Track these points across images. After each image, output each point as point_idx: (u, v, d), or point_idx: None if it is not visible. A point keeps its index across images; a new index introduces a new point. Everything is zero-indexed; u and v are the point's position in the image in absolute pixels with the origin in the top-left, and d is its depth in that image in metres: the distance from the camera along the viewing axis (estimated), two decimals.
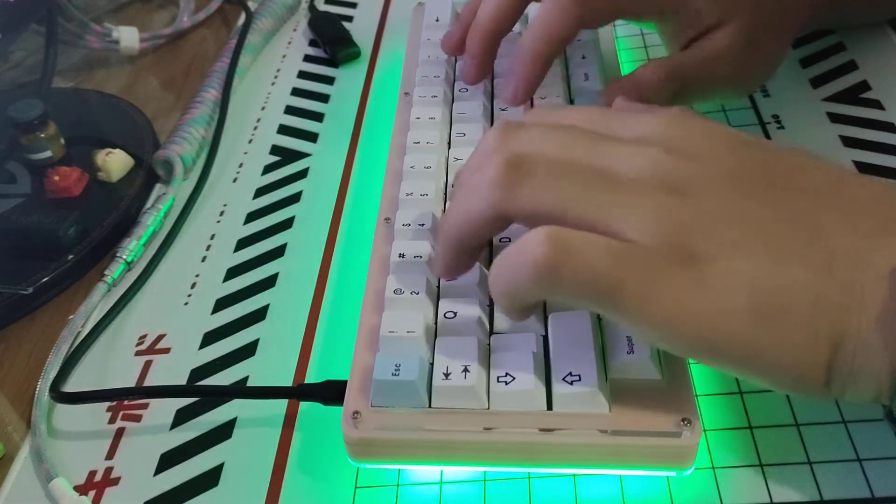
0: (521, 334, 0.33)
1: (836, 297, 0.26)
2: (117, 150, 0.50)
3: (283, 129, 0.53)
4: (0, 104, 0.51)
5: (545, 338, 0.33)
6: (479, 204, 0.29)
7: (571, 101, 0.43)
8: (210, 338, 0.41)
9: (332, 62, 0.58)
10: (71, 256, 0.45)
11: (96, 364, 0.41)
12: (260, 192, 0.49)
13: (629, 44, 0.53)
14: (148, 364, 0.40)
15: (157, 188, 0.50)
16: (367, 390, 0.32)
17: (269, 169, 0.50)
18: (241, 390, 0.38)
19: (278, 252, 0.45)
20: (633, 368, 0.31)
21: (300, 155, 0.51)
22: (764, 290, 0.26)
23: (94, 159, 0.50)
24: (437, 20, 0.50)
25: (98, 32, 0.61)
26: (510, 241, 0.36)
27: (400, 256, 0.36)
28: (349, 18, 0.62)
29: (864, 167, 0.42)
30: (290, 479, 0.34)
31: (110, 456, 0.37)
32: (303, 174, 0.49)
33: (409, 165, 0.40)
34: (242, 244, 0.46)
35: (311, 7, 0.63)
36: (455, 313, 0.33)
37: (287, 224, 0.46)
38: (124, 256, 0.45)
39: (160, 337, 0.42)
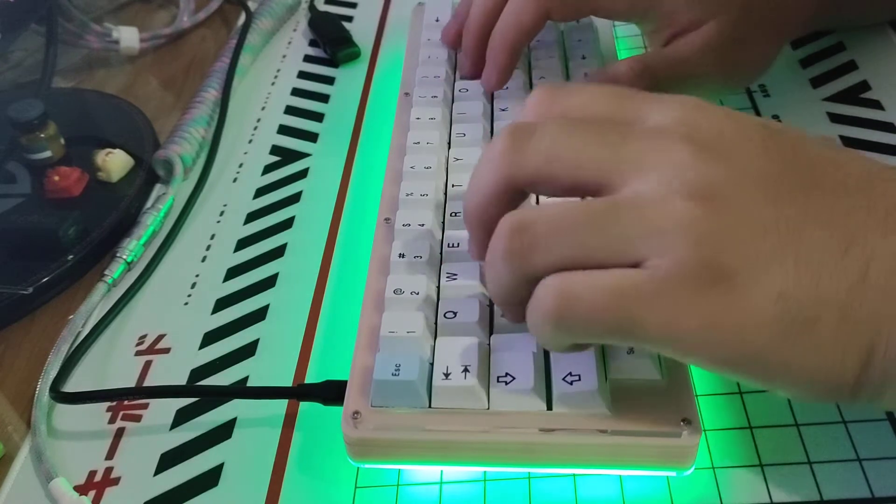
0: (521, 334, 0.33)
1: (868, 305, 0.25)
2: (117, 150, 0.50)
3: (283, 129, 0.53)
4: (0, 104, 0.51)
5: None
6: (502, 276, 0.29)
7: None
8: (210, 338, 0.41)
9: (332, 62, 0.58)
10: (71, 256, 0.45)
11: (96, 364, 0.41)
12: (260, 192, 0.49)
13: (629, 44, 0.53)
14: (148, 364, 0.40)
15: (157, 188, 0.50)
16: (367, 390, 0.32)
17: (269, 169, 0.50)
18: (241, 390, 0.38)
19: (278, 252, 0.45)
20: (633, 368, 0.31)
21: (300, 155, 0.51)
22: (794, 304, 0.25)
23: (94, 159, 0.50)
24: (437, 20, 0.50)
25: (98, 32, 0.61)
26: None
27: (400, 256, 0.36)
28: (349, 18, 0.62)
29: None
30: (290, 479, 0.34)
31: (110, 456, 0.37)
32: (303, 174, 0.49)
33: (409, 166, 0.40)
34: (242, 244, 0.46)
35: (311, 7, 0.63)
36: (455, 313, 0.33)
37: (287, 224, 0.46)
38: (124, 256, 0.45)
39: (160, 337, 0.42)
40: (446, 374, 0.31)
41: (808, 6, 0.43)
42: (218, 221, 0.48)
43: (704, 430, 0.33)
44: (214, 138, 0.52)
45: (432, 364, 0.32)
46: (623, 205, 0.27)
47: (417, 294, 0.34)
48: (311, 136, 0.52)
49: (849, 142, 0.44)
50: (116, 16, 0.66)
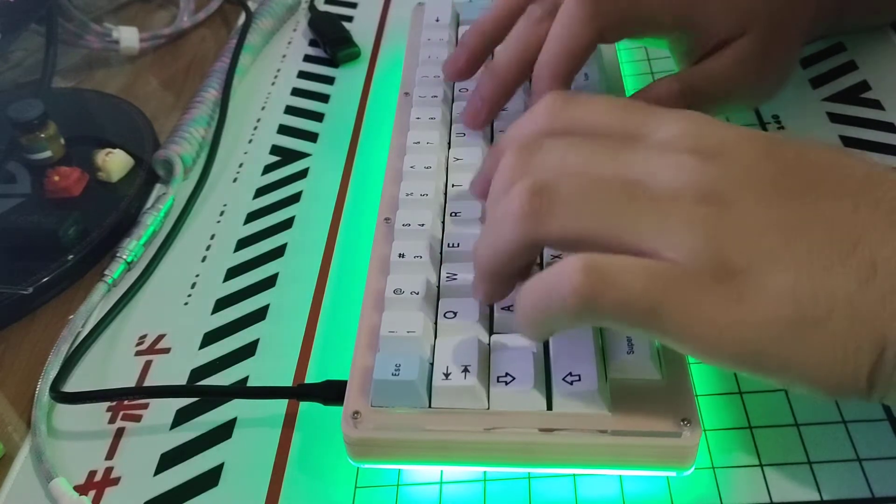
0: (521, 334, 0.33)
1: (877, 304, 0.25)
2: (117, 150, 0.50)
3: (283, 129, 0.53)
4: (0, 104, 0.51)
5: None
6: (509, 236, 0.29)
7: None
8: (210, 338, 0.41)
9: (332, 62, 0.58)
10: (71, 256, 0.45)
11: (96, 364, 0.41)
12: (260, 192, 0.49)
13: (629, 43, 0.53)
14: (148, 364, 0.40)
15: (157, 188, 0.50)
16: (367, 390, 0.32)
17: (269, 169, 0.50)
18: (241, 390, 0.38)
19: (278, 252, 0.45)
20: (633, 368, 0.31)
21: (300, 155, 0.51)
22: (804, 300, 0.25)
23: (94, 159, 0.50)
24: (437, 20, 0.50)
25: (98, 32, 0.61)
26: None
27: (400, 256, 0.36)
28: (349, 18, 0.62)
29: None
30: (290, 479, 0.34)
31: (110, 456, 0.37)
32: (303, 174, 0.49)
33: (409, 165, 0.40)
34: (242, 244, 0.46)
35: (311, 7, 0.63)
36: (455, 313, 0.33)
37: (287, 224, 0.46)
38: (124, 256, 0.45)
39: (160, 337, 0.42)
40: (446, 374, 0.31)
41: (821, 15, 0.43)
42: (218, 221, 0.48)
43: (704, 430, 0.33)
44: (214, 138, 0.52)
45: (432, 364, 0.32)
46: (642, 196, 0.27)
47: (417, 294, 0.34)
48: (311, 136, 0.52)
49: (849, 142, 0.44)
50: (116, 16, 0.66)
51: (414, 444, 0.31)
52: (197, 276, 0.44)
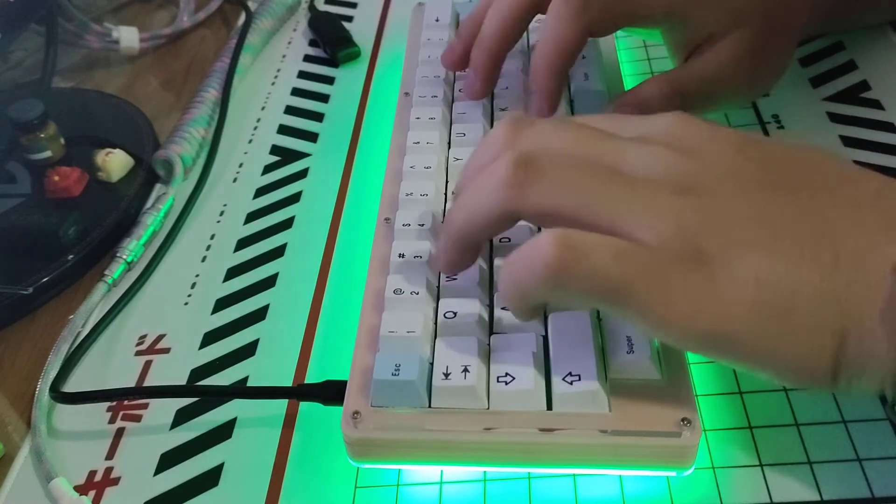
0: (521, 334, 0.33)
1: (841, 293, 0.26)
2: (117, 150, 0.50)
3: (283, 129, 0.53)
4: (0, 104, 0.51)
5: (545, 338, 0.33)
6: (487, 202, 0.30)
7: (571, 102, 0.43)
8: (210, 338, 0.41)
9: (332, 62, 0.58)
10: (71, 256, 0.45)
11: (96, 364, 0.41)
12: (260, 192, 0.49)
13: (629, 44, 0.53)
14: (148, 364, 0.40)
15: (157, 188, 0.50)
16: (367, 390, 0.32)
17: (269, 169, 0.50)
18: (241, 390, 0.38)
19: (278, 252, 0.45)
20: (633, 368, 0.31)
21: (300, 155, 0.51)
22: (771, 288, 0.26)
23: (94, 159, 0.50)
24: (437, 20, 0.50)
25: (98, 32, 0.61)
26: (509, 239, 0.36)
27: (400, 256, 0.36)
28: (349, 18, 0.62)
29: (863, 167, 0.42)
30: (290, 479, 0.34)
31: (110, 456, 0.37)
32: (303, 174, 0.49)
33: (409, 165, 0.40)
34: (242, 244, 0.46)
35: (311, 7, 0.63)
36: (455, 313, 0.33)
37: (287, 224, 0.46)
38: (124, 256, 0.45)
39: (160, 337, 0.42)
40: (446, 374, 0.31)
41: (817, 12, 0.43)
42: (218, 221, 0.48)
43: (704, 430, 0.33)
44: (214, 138, 0.52)
45: (432, 364, 0.32)
46: (621, 179, 0.28)
47: (417, 294, 0.34)
48: (311, 136, 0.52)
49: (849, 142, 0.44)
50: (116, 16, 0.66)
51: (414, 444, 0.31)
52: (197, 276, 0.44)
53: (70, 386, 0.40)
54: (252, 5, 0.61)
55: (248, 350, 0.40)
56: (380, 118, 0.52)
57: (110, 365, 0.41)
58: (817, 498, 0.31)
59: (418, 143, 0.42)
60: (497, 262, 0.35)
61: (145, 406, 0.38)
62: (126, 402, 0.39)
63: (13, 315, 0.44)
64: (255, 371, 0.39)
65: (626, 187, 0.28)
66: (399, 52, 0.51)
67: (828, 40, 0.50)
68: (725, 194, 0.28)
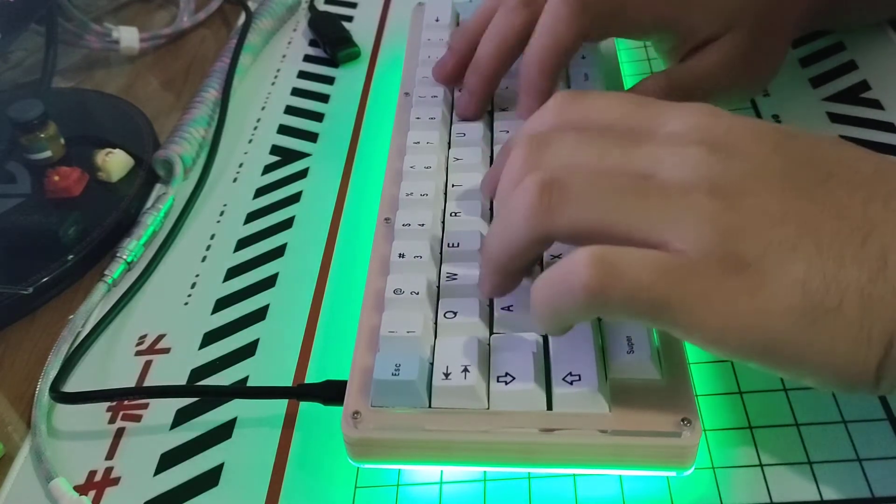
0: (521, 334, 0.33)
1: (888, 295, 0.25)
2: (117, 150, 0.50)
3: (283, 129, 0.53)
4: (0, 104, 0.51)
5: (545, 338, 0.33)
6: (518, 230, 0.29)
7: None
8: (210, 338, 0.41)
9: (332, 62, 0.58)
10: (71, 256, 0.45)
11: (96, 364, 0.41)
12: (260, 192, 0.49)
13: (629, 44, 0.53)
14: (148, 364, 0.40)
15: (157, 188, 0.50)
16: (367, 390, 0.32)
17: (269, 169, 0.50)
18: (241, 390, 0.38)
19: (278, 252, 0.45)
20: (633, 368, 0.31)
21: (300, 155, 0.51)
22: (815, 291, 0.25)
23: (94, 159, 0.50)
24: (437, 20, 0.50)
25: (98, 32, 0.61)
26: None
27: (400, 256, 0.36)
28: (349, 18, 0.62)
29: None
30: (290, 479, 0.34)
31: (110, 456, 0.37)
32: (303, 174, 0.49)
33: (409, 165, 0.40)
34: (242, 244, 0.46)
35: (311, 7, 0.63)
36: (455, 313, 0.33)
37: (287, 224, 0.46)
38: (124, 256, 0.45)
39: (160, 337, 0.42)
40: (446, 374, 0.31)
41: (810, 8, 0.43)
42: (218, 221, 0.48)
43: (704, 430, 0.33)
44: (214, 138, 0.52)
45: (432, 364, 0.32)
46: (652, 188, 0.28)
47: (417, 294, 0.34)
48: (311, 136, 0.52)
49: (849, 142, 0.44)
50: (116, 16, 0.66)
51: (414, 444, 0.31)
52: (197, 276, 0.44)
53: (70, 386, 0.40)
54: (252, 5, 0.61)
55: (248, 350, 0.40)
56: (380, 118, 0.52)
57: (110, 365, 0.41)
58: (817, 498, 0.31)
59: (418, 143, 0.42)
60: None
61: (145, 406, 0.38)
62: (126, 402, 0.39)
63: (13, 315, 0.44)
64: (255, 371, 0.39)
65: (657, 196, 0.27)
66: (399, 52, 0.51)
67: (828, 40, 0.50)
68: (763, 193, 0.27)
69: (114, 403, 0.39)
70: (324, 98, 0.55)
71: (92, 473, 0.36)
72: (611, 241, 0.27)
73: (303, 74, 0.57)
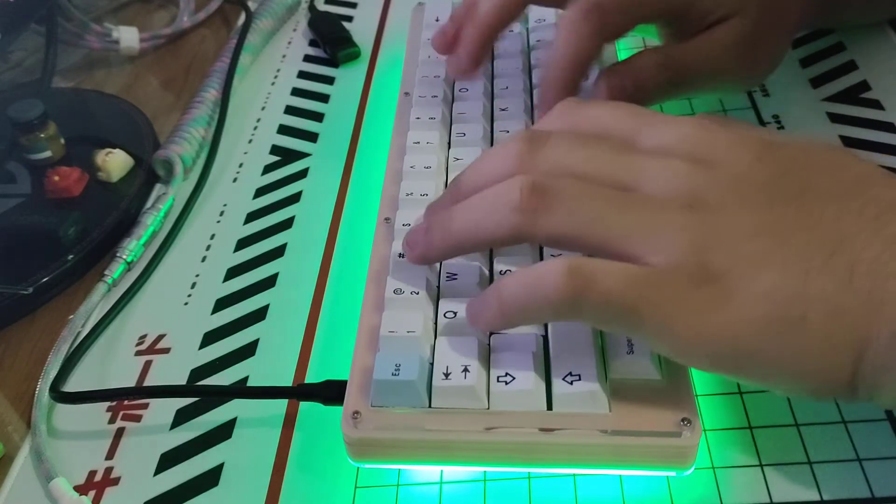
0: (521, 334, 0.33)
1: (855, 307, 0.26)
2: (117, 150, 0.50)
3: (283, 129, 0.53)
4: (0, 104, 0.51)
5: (545, 338, 0.33)
6: (497, 222, 0.30)
7: None
8: (210, 338, 0.41)
9: (332, 62, 0.58)
10: (71, 256, 0.45)
11: (96, 364, 0.41)
12: (260, 192, 0.49)
13: (629, 44, 0.53)
14: (148, 364, 0.40)
15: (157, 188, 0.50)
16: (367, 390, 0.32)
17: (269, 169, 0.50)
18: (241, 390, 0.38)
19: (278, 252, 0.45)
20: (633, 368, 0.31)
21: (300, 155, 0.51)
22: (784, 302, 0.26)
23: (94, 159, 0.50)
24: (437, 20, 0.50)
25: (98, 32, 0.61)
26: None
27: (400, 256, 0.36)
28: (349, 18, 0.62)
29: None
30: (290, 479, 0.34)
31: (110, 456, 0.37)
32: (303, 174, 0.49)
33: (409, 165, 0.40)
34: (242, 244, 0.46)
35: (311, 7, 0.63)
36: (455, 313, 0.33)
37: (287, 224, 0.46)
38: (124, 256, 0.45)
39: (160, 337, 0.42)
40: (446, 374, 0.31)
41: (812, 4, 0.43)
42: (218, 221, 0.48)
43: (704, 430, 0.33)
44: (214, 138, 0.52)
45: (432, 364, 0.32)
46: (631, 201, 0.29)
47: (417, 294, 0.34)
48: (311, 136, 0.52)
49: (849, 142, 0.44)
50: (116, 16, 0.66)
51: (414, 444, 0.31)
52: (197, 276, 0.44)
53: (70, 386, 0.40)
54: (252, 5, 0.61)
55: (248, 350, 0.40)
56: (380, 118, 0.52)
57: (110, 365, 0.41)
58: (817, 498, 0.31)
59: (418, 143, 0.42)
60: (498, 266, 0.35)
61: (145, 406, 0.38)
62: (126, 402, 0.39)
63: (13, 315, 0.44)
64: (255, 371, 0.39)
65: (637, 210, 0.28)
66: (399, 52, 0.51)
67: (828, 40, 0.50)
68: (737, 208, 0.28)
69: (114, 403, 0.39)
70: (324, 98, 0.55)
71: (92, 473, 0.36)
72: (588, 251, 0.28)
73: (303, 74, 0.57)
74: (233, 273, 0.44)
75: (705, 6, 0.39)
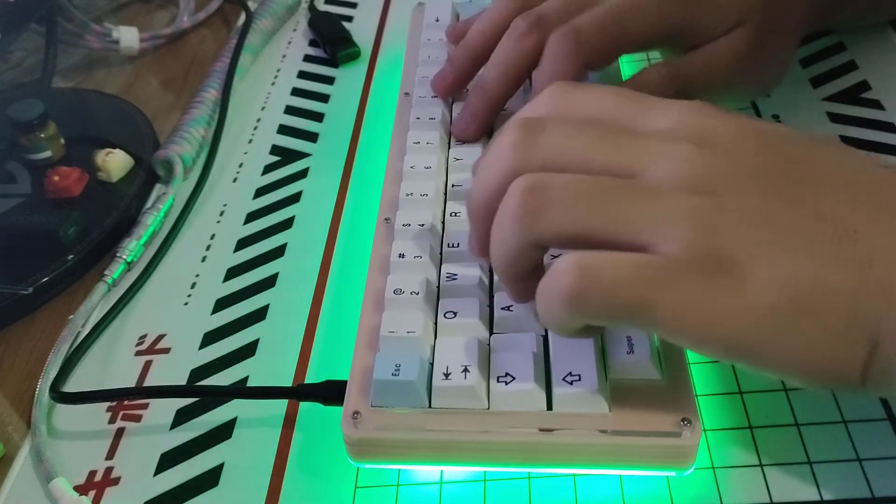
0: (521, 334, 0.33)
1: (871, 298, 0.25)
2: (117, 150, 0.50)
3: (283, 129, 0.53)
4: (0, 104, 0.51)
5: (545, 338, 0.33)
6: (508, 238, 0.29)
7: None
8: (210, 338, 0.41)
9: (332, 62, 0.58)
10: (71, 256, 0.45)
11: (96, 364, 0.41)
12: (260, 192, 0.49)
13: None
14: (148, 364, 0.40)
15: (157, 188, 0.50)
16: (367, 390, 0.32)
17: (269, 169, 0.50)
18: (241, 390, 0.38)
19: (278, 252, 0.45)
20: (633, 368, 0.31)
21: (300, 155, 0.51)
22: (799, 292, 0.25)
23: (94, 159, 0.50)
24: (437, 20, 0.50)
25: (98, 32, 0.61)
26: None
27: (400, 256, 0.36)
28: (349, 18, 0.62)
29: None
30: (290, 479, 0.34)
31: (110, 456, 0.37)
32: (303, 174, 0.49)
33: (409, 165, 0.40)
34: (242, 244, 0.46)
35: (311, 7, 0.63)
36: (455, 313, 0.33)
37: (287, 224, 0.46)
38: (124, 256, 0.45)
39: (160, 337, 0.42)
40: (446, 374, 0.31)
41: (815, 7, 0.43)
42: (218, 221, 0.48)
43: (704, 430, 0.33)
44: (214, 138, 0.52)
45: (432, 364, 0.32)
46: (635, 189, 0.28)
47: (417, 294, 0.34)
48: (311, 136, 0.52)
49: (849, 142, 0.44)
50: (116, 16, 0.66)
51: (414, 444, 0.31)
52: (197, 276, 0.44)
53: (70, 386, 0.40)
54: (252, 5, 0.61)
55: (248, 350, 0.40)
56: (380, 118, 0.52)
57: (110, 365, 0.41)
58: (817, 498, 0.31)
59: (418, 143, 0.42)
60: None
61: (145, 406, 0.38)
62: (126, 402, 0.39)
63: (13, 315, 0.44)
64: (255, 371, 0.39)
65: (640, 198, 0.27)
66: (399, 52, 0.51)
67: (828, 40, 0.50)
68: (747, 194, 0.27)
69: (114, 403, 0.39)
70: (324, 98, 0.55)
71: (92, 473, 0.36)
72: (596, 246, 0.27)
73: (303, 74, 0.57)
74: (233, 273, 0.44)
75: (706, 24, 0.39)
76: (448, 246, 0.36)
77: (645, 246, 0.27)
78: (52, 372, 0.40)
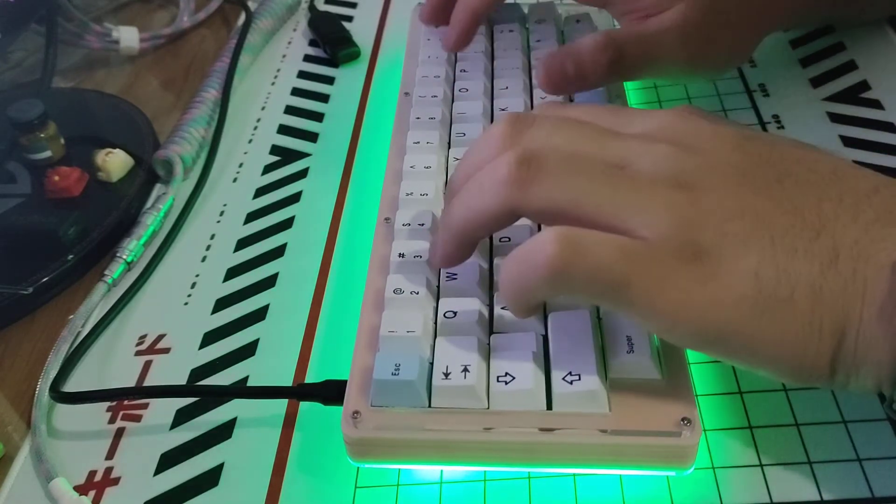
0: (521, 334, 0.33)
1: (838, 289, 0.26)
2: (117, 150, 0.50)
3: (283, 129, 0.53)
4: (0, 104, 0.51)
5: (545, 337, 0.33)
6: (489, 200, 0.30)
7: (571, 100, 0.43)
8: (210, 338, 0.41)
9: (332, 62, 0.58)
10: (71, 256, 0.45)
11: (96, 364, 0.41)
12: (260, 192, 0.49)
13: None
14: (148, 364, 0.40)
15: (157, 188, 0.50)
16: (367, 390, 0.32)
17: (269, 169, 0.50)
18: (241, 390, 0.38)
19: (278, 252, 0.45)
20: (633, 368, 0.31)
21: (300, 155, 0.51)
22: (768, 282, 0.27)
23: (94, 159, 0.50)
24: None
25: (98, 32, 0.61)
26: (509, 238, 0.36)
27: (400, 256, 0.36)
28: (349, 18, 0.62)
29: (863, 167, 0.42)
30: (290, 479, 0.34)
31: (110, 456, 0.37)
32: (303, 174, 0.49)
33: (409, 165, 0.40)
34: (242, 244, 0.46)
35: (311, 7, 0.63)
36: (455, 313, 0.33)
37: (287, 224, 0.46)
38: (124, 256, 0.45)
39: (160, 337, 0.42)
40: (446, 374, 0.31)
41: (799, 4, 0.43)
42: (218, 221, 0.48)
43: (704, 430, 0.33)
44: (214, 138, 0.52)
45: (432, 364, 0.32)
46: (623, 178, 0.29)
47: (417, 294, 0.34)
48: (311, 136, 0.52)
49: (849, 142, 0.44)
50: (116, 16, 0.66)
51: (414, 444, 0.31)
52: (197, 276, 0.44)
53: (70, 386, 0.40)
54: (252, 5, 0.61)
55: (248, 350, 0.40)
56: (380, 118, 0.52)
57: (110, 365, 0.41)
58: (817, 498, 0.31)
59: (418, 143, 0.42)
60: (497, 261, 0.35)
61: (145, 406, 0.38)
62: (126, 402, 0.39)
63: (13, 315, 0.44)
64: (255, 371, 0.39)
65: (627, 185, 0.29)
66: (399, 52, 0.51)
67: (828, 40, 0.50)
68: (722, 188, 0.28)
69: (114, 403, 0.39)
70: (324, 98, 0.55)
71: (92, 473, 0.36)
72: (578, 224, 0.28)
73: (303, 74, 0.57)
74: (233, 273, 0.44)
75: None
76: None
77: (625, 230, 0.28)
78: (52, 372, 0.40)
